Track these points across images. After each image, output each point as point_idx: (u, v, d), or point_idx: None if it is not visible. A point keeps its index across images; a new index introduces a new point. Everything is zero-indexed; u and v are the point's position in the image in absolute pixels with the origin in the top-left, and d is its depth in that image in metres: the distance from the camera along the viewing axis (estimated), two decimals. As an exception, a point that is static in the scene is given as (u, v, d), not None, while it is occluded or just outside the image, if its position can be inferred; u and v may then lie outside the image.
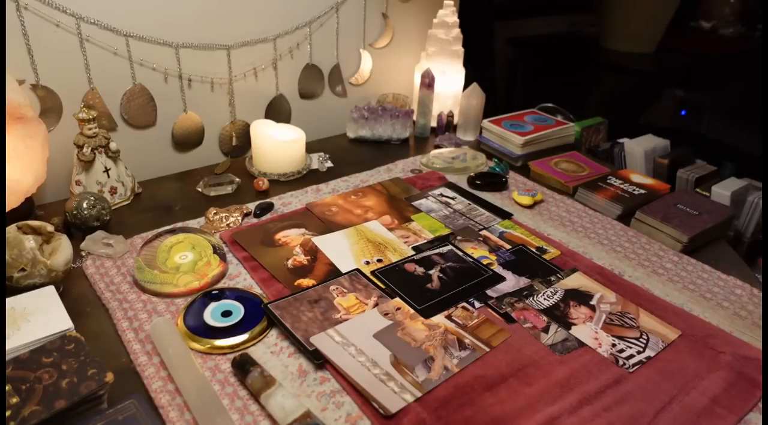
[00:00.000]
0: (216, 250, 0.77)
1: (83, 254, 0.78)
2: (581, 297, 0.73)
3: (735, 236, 1.05)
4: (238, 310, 0.67)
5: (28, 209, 0.85)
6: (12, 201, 0.77)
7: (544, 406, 0.57)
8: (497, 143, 1.16)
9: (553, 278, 0.76)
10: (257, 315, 0.66)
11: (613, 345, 0.65)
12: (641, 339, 0.66)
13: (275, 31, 1.09)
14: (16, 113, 0.77)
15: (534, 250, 0.82)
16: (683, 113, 1.87)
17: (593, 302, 0.72)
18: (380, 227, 0.87)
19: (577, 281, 0.76)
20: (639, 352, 0.64)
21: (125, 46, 0.93)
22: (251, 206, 0.91)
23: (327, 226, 0.87)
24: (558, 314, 0.69)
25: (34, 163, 0.80)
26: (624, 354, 0.63)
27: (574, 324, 0.68)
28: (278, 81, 1.14)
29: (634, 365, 0.62)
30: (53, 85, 0.89)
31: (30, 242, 0.67)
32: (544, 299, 0.72)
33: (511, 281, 0.75)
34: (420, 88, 1.21)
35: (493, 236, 0.86)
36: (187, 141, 1.07)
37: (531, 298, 0.72)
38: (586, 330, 0.67)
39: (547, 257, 0.81)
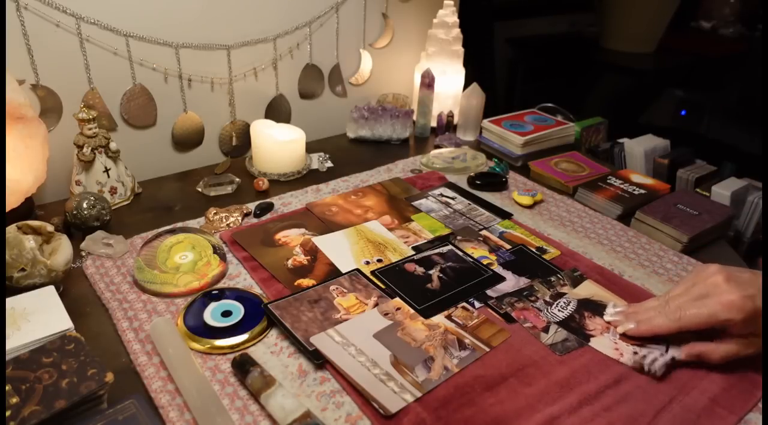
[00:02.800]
0: (216, 250, 0.77)
1: (83, 254, 0.78)
2: (594, 307, 0.70)
3: (735, 236, 1.05)
4: (238, 310, 0.67)
5: (28, 209, 0.85)
6: (12, 201, 0.77)
7: (544, 406, 0.57)
8: (497, 143, 1.16)
9: (553, 279, 0.76)
10: (257, 315, 0.66)
11: (635, 353, 0.63)
12: (661, 342, 0.64)
13: (275, 31, 1.09)
14: (16, 113, 0.77)
15: (534, 250, 0.82)
16: (683, 113, 1.88)
17: (607, 318, 0.68)
18: (380, 227, 0.87)
19: (587, 290, 0.74)
20: (662, 354, 0.62)
21: (125, 46, 0.93)
22: (251, 206, 0.91)
23: (327, 226, 0.87)
24: (575, 327, 0.67)
25: (34, 163, 0.80)
26: (647, 360, 0.62)
27: (593, 336, 0.66)
28: (278, 81, 1.14)
29: (660, 368, 0.61)
30: (53, 85, 0.89)
31: (30, 242, 0.67)
32: (558, 310, 0.70)
33: (511, 281, 0.75)
34: (420, 88, 1.21)
35: (493, 236, 0.86)
36: (187, 141, 1.07)
37: (546, 311, 0.70)
38: (606, 342, 0.65)
39: (547, 257, 0.81)
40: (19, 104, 0.78)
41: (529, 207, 0.96)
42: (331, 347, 0.62)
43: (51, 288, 0.66)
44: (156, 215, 0.90)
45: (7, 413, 0.47)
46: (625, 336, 0.65)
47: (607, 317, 0.67)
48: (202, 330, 0.64)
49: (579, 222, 0.92)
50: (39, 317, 0.61)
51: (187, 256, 0.76)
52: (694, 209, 0.90)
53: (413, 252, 0.81)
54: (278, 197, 0.96)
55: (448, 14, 1.23)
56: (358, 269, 0.76)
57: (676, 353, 0.62)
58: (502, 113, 1.22)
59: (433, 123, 1.26)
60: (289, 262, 0.78)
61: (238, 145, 1.13)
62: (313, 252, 0.80)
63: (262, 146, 1.02)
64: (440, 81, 1.22)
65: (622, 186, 0.99)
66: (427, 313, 0.68)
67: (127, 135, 0.99)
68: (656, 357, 0.62)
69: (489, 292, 0.73)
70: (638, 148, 1.17)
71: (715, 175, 1.10)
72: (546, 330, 0.67)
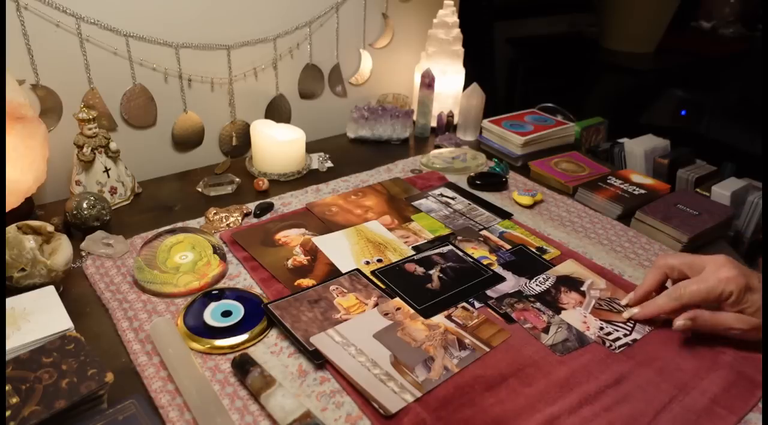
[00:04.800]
0: (216, 250, 0.77)
1: (83, 254, 0.78)
2: (572, 283, 0.75)
3: (735, 236, 1.05)
4: (238, 310, 0.67)
5: (28, 209, 0.85)
6: (12, 201, 0.77)
7: (544, 406, 0.57)
8: (497, 143, 1.16)
9: (553, 278, 0.76)
10: (257, 315, 0.66)
11: (601, 329, 0.67)
12: (628, 323, 0.68)
13: (275, 31, 1.09)
14: (16, 113, 0.77)
15: (534, 250, 0.82)
16: (683, 113, 1.87)
17: (584, 288, 0.74)
18: (380, 227, 0.87)
19: (569, 268, 0.78)
20: (625, 335, 0.66)
21: (125, 46, 0.93)
22: (251, 206, 0.91)
23: (327, 226, 0.87)
24: (549, 300, 0.72)
25: (34, 163, 0.80)
26: (611, 337, 0.66)
27: (564, 309, 0.70)
28: (278, 81, 1.14)
29: (620, 347, 0.65)
30: (53, 85, 0.89)
31: (30, 242, 0.67)
32: (536, 285, 0.74)
33: (511, 282, 0.75)
34: (420, 88, 1.21)
35: (493, 236, 0.86)
36: (187, 141, 1.07)
37: (525, 285, 0.74)
38: (576, 315, 0.69)
39: (547, 257, 0.81)
40: (19, 104, 0.78)
41: (529, 207, 0.96)
42: (331, 347, 0.62)
43: (51, 288, 0.66)
44: (156, 215, 0.90)
45: (7, 413, 0.47)
46: (596, 311, 0.70)
47: (625, 315, 0.69)
48: (202, 330, 0.64)
49: (579, 222, 0.92)
50: (39, 317, 0.61)
51: (187, 256, 0.76)
52: (694, 209, 0.90)
53: (413, 252, 0.81)
54: (278, 197, 0.96)
55: (448, 14, 1.23)
56: (358, 269, 0.76)
57: (638, 335, 0.66)
58: (502, 113, 1.22)
59: (433, 123, 1.26)
60: (289, 262, 0.78)
61: (238, 145, 1.13)
62: (313, 252, 0.80)
63: (262, 146, 1.02)
64: (440, 81, 1.22)
65: (622, 186, 0.99)
66: (427, 313, 0.68)
67: (127, 135, 0.99)
68: (619, 336, 0.66)
69: (489, 292, 0.73)
70: (638, 148, 1.16)
71: (715, 175, 1.10)
72: (546, 330, 0.67)
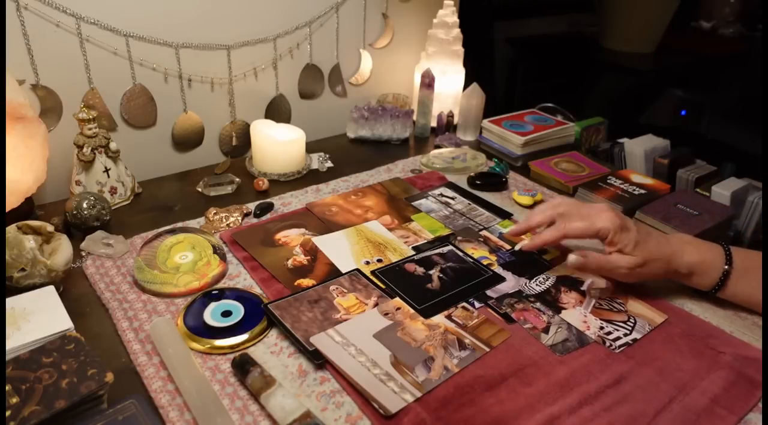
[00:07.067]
0: (216, 250, 0.77)
1: (83, 254, 0.78)
2: (572, 283, 0.75)
3: (735, 236, 1.05)
4: (238, 310, 0.67)
5: (28, 209, 0.85)
6: (12, 201, 0.77)
7: (544, 406, 0.57)
8: (497, 143, 1.16)
9: (553, 278, 0.76)
10: (257, 315, 0.66)
11: (601, 328, 0.67)
12: (628, 323, 0.68)
13: (275, 31, 1.09)
14: (16, 113, 0.77)
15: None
16: (683, 113, 1.87)
17: (584, 288, 0.74)
18: (380, 227, 0.87)
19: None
20: (626, 334, 0.66)
21: (125, 46, 0.93)
22: (251, 206, 0.91)
23: (327, 226, 0.87)
24: (549, 299, 0.72)
25: (34, 163, 0.80)
26: (611, 337, 0.66)
27: (564, 309, 0.70)
28: (278, 81, 1.14)
29: (620, 346, 0.65)
30: (53, 85, 0.89)
31: (30, 242, 0.67)
32: (536, 285, 0.75)
33: (511, 282, 0.75)
34: (420, 88, 1.21)
35: (493, 236, 0.86)
36: (187, 141, 1.07)
37: (525, 285, 0.75)
38: (576, 314, 0.69)
39: (547, 257, 0.81)
40: (19, 104, 0.78)
41: (529, 207, 0.96)
42: (331, 347, 0.62)
43: (51, 288, 0.66)
44: (156, 215, 0.90)
45: (7, 413, 0.47)
46: (593, 312, 0.70)
47: (517, 247, 0.76)
48: (202, 330, 0.64)
49: (579, 222, 0.92)
50: (39, 317, 0.61)
51: (187, 256, 0.76)
52: (694, 209, 0.90)
53: (413, 252, 0.81)
54: (278, 197, 0.96)
55: (448, 14, 1.23)
56: (358, 269, 0.76)
57: (639, 335, 0.66)
58: (502, 113, 1.22)
59: (433, 123, 1.26)
60: (289, 262, 0.78)
61: (238, 145, 1.13)
62: (313, 252, 0.80)
63: (262, 146, 1.02)
64: (440, 81, 1.22)
65: (622, 186, 0.99)
66: (427, 313, 0.68)
67: (127, 135, 0.99)
68: (620, 336, 0.66)
69: (489, 292, 0.73)
70: (638, 148, 1.16)
71: (715, 175, 1.10)
72: (546, 330, 0.67)
